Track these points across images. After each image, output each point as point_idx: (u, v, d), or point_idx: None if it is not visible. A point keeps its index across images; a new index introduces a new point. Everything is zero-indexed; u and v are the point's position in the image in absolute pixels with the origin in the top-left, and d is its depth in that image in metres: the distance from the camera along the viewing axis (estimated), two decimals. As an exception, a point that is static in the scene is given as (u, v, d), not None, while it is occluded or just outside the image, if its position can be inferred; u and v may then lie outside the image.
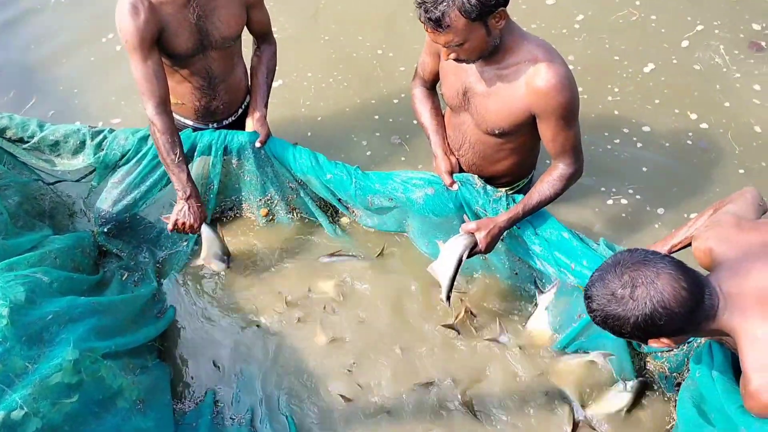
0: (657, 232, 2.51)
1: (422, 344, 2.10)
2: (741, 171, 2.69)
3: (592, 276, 1.33)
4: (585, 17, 3.37)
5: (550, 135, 1.85)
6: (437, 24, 1.61)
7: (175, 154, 2.04)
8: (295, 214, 2.42)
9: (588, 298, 1.33)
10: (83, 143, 2.22)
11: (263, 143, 2.22)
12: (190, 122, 2.38)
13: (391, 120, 3.00)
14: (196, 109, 2.31)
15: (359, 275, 2.27)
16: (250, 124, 2.27)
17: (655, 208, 2.61)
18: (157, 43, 2.02)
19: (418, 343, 2.10)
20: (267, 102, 2.33)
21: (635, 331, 1.28)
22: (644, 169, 2.75)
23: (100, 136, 2.22)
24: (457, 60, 1.75)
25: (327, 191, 2.26)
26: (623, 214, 2.61)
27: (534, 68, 1.74)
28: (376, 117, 3.01)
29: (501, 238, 1.99)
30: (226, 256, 2.28)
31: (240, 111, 2.45)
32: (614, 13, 3.38)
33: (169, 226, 2.11)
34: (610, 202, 2.64)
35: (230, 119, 2.43)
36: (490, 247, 1.96)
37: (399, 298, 2.21)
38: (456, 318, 2.12)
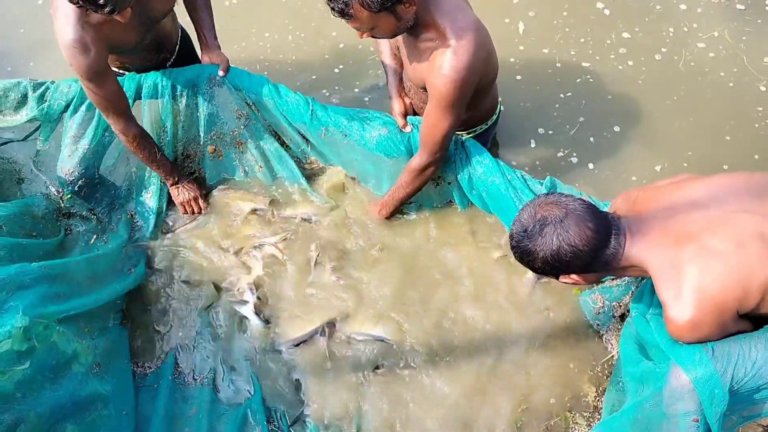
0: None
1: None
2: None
3: (517, 214, 1.42)
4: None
5: (425, 118, 1.83)
6: (342, 14, 1.60)
7: (154, 154, 2.12)
8: (239, 149, 2.30)
9: (510, 235, 1.43)
10: (25, 96, 2.12)
11: (226, 71, 2.13)
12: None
13: (337, 88, 2.95)
14: (145, 68, 2.20)
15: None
16: (207, 59, 2.16)
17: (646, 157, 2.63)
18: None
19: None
20: (215, 33, 2.20)
21: (545, 266, 1.38)
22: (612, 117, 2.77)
23: (42, 88, 2.13)
24: (373, 37, 1.73)
25: (281, 116, 2.16)
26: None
27: (438, 52, 1.71)
28: (326, 90, 2.94)
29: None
30: None
31: (176, 50, 2.35)
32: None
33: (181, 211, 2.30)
34: (591, 165, 2.62)
35: (170, 61, 2.33)
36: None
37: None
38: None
